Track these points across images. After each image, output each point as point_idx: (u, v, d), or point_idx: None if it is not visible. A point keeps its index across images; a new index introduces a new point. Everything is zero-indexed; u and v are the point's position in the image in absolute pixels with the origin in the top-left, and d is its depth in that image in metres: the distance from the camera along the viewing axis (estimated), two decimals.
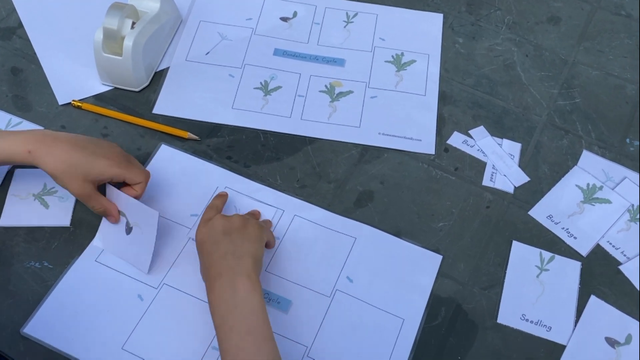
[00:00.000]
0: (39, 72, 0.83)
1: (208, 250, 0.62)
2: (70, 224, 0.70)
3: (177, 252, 0.69)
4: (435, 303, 0.67)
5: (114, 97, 0.81)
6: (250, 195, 0.73)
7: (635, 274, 0.70)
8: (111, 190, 0.67)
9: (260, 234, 0.64)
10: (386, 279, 0.68)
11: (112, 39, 0.77)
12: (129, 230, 0.67)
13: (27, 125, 0.78)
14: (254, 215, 0.72)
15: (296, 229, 0.71)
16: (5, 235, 0.69)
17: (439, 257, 0.70)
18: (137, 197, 0.68)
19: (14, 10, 0.89)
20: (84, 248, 0.68)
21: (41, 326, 0.63)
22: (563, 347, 0.65)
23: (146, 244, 0.66)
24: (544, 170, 0.78)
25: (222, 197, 0.71)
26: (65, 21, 0.88)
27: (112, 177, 0.66)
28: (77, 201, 0.72)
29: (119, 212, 0.68)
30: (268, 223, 0.71)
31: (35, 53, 0.84)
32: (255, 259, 0.61)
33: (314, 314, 0.66)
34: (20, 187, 0.72)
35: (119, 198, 0.67)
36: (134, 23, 0.79)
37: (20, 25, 0.87)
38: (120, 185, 0.68)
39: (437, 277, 0.69)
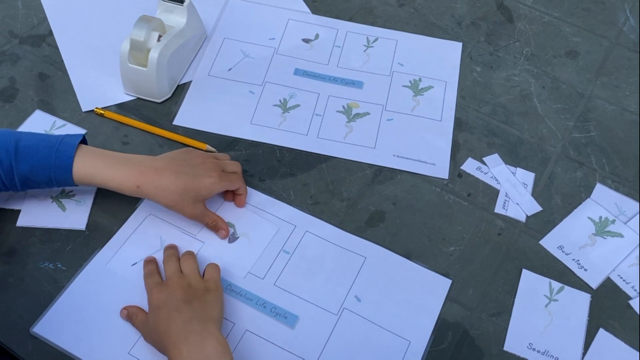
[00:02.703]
0: (65, 79, 0.85)
1: (166, 316, 0.60)
2: (86, 228, 0.71)
3: None
4: (442, 327, 0.67)
5: (136, 107, 0.83)
6: (263, 209, 0.74)
7: None
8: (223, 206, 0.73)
9: (220, 297, 0.64)
10: (394, 300, 0.68)
11: (138, 51, 0.79)
12: (233, 239, 0.71)
13: (70, 128, 0.79)
14: (190, 259, 0.68)
15: (307, 245, 0.72)
16: (22, 235, 0.70)
17: (448, 282, 0.70)
18: (243, 202, 0.74)
19: (45, 18, 0.92)
20: (97, 252, 0.69)
21: (50, 326, 0.64)
22: None
23: (251, 253, 0.70)
24: (557, 201, 0.78)
25: (172, 250, 0.69)
26: (93, 31, 0.90)
27: (217, 192, 0.71)
28: (93, 205, 0.73)
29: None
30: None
31: (62, 60, 0.87)
32: (219, 322, 0.62)
33: (321, 331, 0.66)
34: (39, 190, 0.73)
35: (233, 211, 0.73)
36: (160, 36, 0.81)
37: (51, 33, 0.90)
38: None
39: (445, 302, 0.69)
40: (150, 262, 0.68)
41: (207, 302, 0.62)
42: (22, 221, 0.71)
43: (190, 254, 0.69)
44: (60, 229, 0.71)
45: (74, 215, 0.72)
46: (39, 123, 0.80)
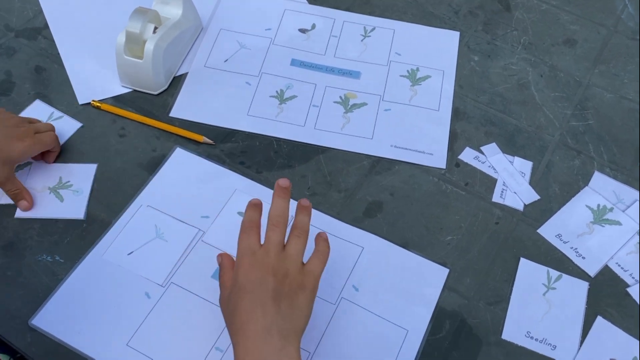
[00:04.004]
0: (62, 72, 0.85)
1: (248, 308, 0.53)
2: (85, 217, 0.71)
3: (187, 252, 0.69)
4: (440, 316, 0.67)
5: (132, 99, 0.83)
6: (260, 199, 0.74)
7: None
8: None
9: (312, 299, 0.56)
10: (392, 290, 0.69)
11: (134, 43, 0.79)
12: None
13: (68, 120, 0.80)
14: (301, 236, 0.58)
15: None
16: (20, 227, 0.71)
17: (446, 271, 0.70)
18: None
19: (41, 11, 0.91)
20: (95, 244, 0.69)
21: (49, 318, 0.64)
22: None
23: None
24: (555, 190, 0.78)
25: (283, 212, 0.58)
26: (89, 24, 0.90)
27: (29, 157, 0.71)
28: (91, 196, 0.73)
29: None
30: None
31: (59, 53, 0.86)
32: (302, 334, 0.55)
33: (319, 321, 0.66)
34: (36, 180, 0.74)
35: None
36: (156, 28, 0.80)
37: (46, 26, 0.90)
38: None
39: (443, 290, 0.69)
40: (255, 206, 0.59)
41: (297, 306, 0.55)
42: (21, 213, 0.71)
43: (303, 224, 0.58)
44: (58, 219, 0.71)
45: (71, 205, 0.72)
46: (37, 114, 0.80)
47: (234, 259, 0.59)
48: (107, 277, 0.67)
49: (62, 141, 0.78)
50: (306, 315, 0.56)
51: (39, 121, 0.76)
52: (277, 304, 0.54)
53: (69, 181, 0.74)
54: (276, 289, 0.54)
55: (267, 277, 0.54)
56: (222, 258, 0.61)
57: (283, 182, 0.59)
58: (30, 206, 0.71)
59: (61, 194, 0.73)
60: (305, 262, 0.59)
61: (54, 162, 0.75)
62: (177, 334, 0.64)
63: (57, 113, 0.80)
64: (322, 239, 0.61)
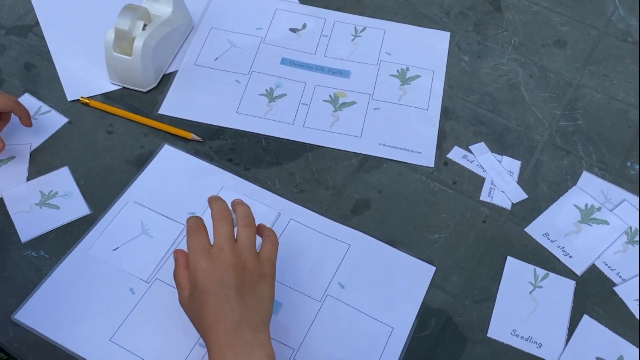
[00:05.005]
0: (51, 69, 0.85)
1: (215, 308, 0.53)
2: (92, 212, 0.71)
3: (172, 248, 0.69)
4: (425, 314, 0.67)
5: (121, 96, 0.83)
6: (248, 196, 0.74)
7: (630, 295, 0.69)
8: None
9: (273, 286, 0.57)
10: (378, 287, 0.68)
11: (123, 40, 0.79)
12: None
13: (55, 115, 0.80)
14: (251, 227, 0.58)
15: (291, 233, 0.71)
16: (5, 223, 0.70)
17: (432, 268, 0.70)
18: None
19: (32, 9, 0.91)
20: (80, 240, 0.69)
21: (32, 314, 0.64)
22: None
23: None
24: (543, 189, 0.78)
25: (225, 206, 0.58)
26: (79, 21, 0.90)
27: None
28: (82, 192, 0.73)
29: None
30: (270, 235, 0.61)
31: (48, 50, 0.86)
32: (269, 322, 0.55)
33: (304, 318, 0.66)
34: (19, 203, 0.71)
35: None
36: (145, 25, 0.81)
37: (37, 23, 0.90)
38: None
39: (429, 288, 0.69)
40: (195, 217, 0.58)
41: (260, 296, 0.55)
42: (26, 236, 0.69)
43: (247, 214, 0.58)
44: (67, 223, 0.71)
45: (72, 207, 0.71)
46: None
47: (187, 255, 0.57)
48: (92, 272, 0.67)
49: (48, 135, 0.78)
50: (270, 303, 0.56)
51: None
52: (242, 297, 0.53)
53: (51, 190, 0.73)
54: (238, 283, 0.54)
55: (226, 274, 0.54)
56: (177, 254, 0.58)
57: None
58: (2, 146, 0.71)
59: (53, 203, 0.72)
60: (258, 251, 0.58)
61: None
62: (161, 330, 0.64)
63: (45, 107, 0.80)
64: (261, 226, 0.60)
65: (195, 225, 0.57)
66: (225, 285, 0.53)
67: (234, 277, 0.54)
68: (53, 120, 0.79)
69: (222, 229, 0.56)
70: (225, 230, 0.56)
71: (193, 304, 0.55)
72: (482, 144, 0.81)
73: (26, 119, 0.75)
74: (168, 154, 0.77)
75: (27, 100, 0.81)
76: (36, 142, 0.77)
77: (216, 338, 0.52)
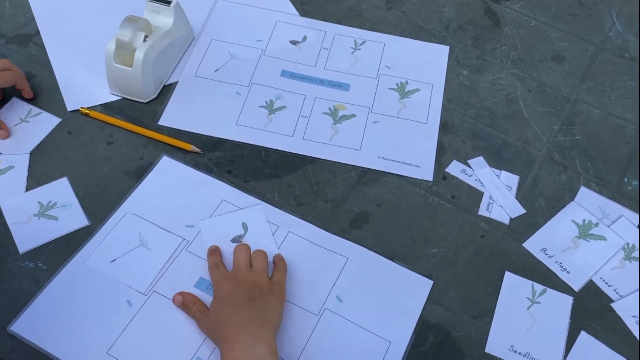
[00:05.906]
0: (51, 79, 0.85)
1: (228, 311, 0.62)
2: (90, 223, 0.71)
3: (170, 261, 0.69)
4: (423, 328, 0.67)
5: (121, 107, 0.83)
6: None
7: (628, 312, 0.69)
8: None
9: (282, 302, 0.65)
10: (375, 301, 0.68)
11: (124, 50, 0.79)
12: None
13: (46, 116, 0.80)
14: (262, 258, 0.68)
15: (289, 245, 0.71)
16: (3, 234, 0.70)
17: (430, 283, 0.70)
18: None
19: (33, 18, 0.92)
20: (78, 251, 0.69)
21: (28, 325, 0.64)
22: None
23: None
24: (541, 204, 0.78)
25: (244, 243, 0.70)
26: (80, 31, 0.90)
27: None
28: (81, 203, 0.73)
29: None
30: (281, 266, 0.69)
31: (49, 60, 0.87)
32: (276, 327, 0.63)
33: (301, 331, 0.66)
34: (15, 214, 0.71)
35: None
36: (146, 36, 0.81)
37: (38, 33, 0.90)
38: None
39: (427, 303, 0.69)
40: (214, 251, 0.69)
41: (268, 304, 0.63)
42: (24, 247, 0.69)
43: (262, 252, 0.69)
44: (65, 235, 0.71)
45: (70, 219, 0.71)
46: (14, 110, 0.80)
47: (192, 294, 0.66)
48: (89, 284, 0.67)
49: (42, 137, 0.78)
50: (279, 312, 0.64)
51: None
52: (252, 303, 0.62)
53: (50, 201, 0.73)
54: (249, 294, 0.63)
55: (240, 287, 0.64)
56: (181, 296, 0.66)
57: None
58: (7, 134, 0.76)
59: (52, 214, 0.72)
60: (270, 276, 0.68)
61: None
62: (158, 343, 0.64)
63: (35, 110, 0.81)
64: (278, 257, 0.70)
65: (213, 263, 0.68)
66: (239, 294, 0.63)
67: (247, 289, 0.63)
68: (46, 122, 0.80)
69: (240, 255, 0.68)
70: (242, 256, 0.67)
71: (211, 314, 0.63)
72: (481, 158, 0.82)
73: (28, 90, 0.80)
74: (166, 165, 0.77)
75: (15, 104, 0.82)
76: (31, 144, 0.78)
77: (225, 334, 0.60)
